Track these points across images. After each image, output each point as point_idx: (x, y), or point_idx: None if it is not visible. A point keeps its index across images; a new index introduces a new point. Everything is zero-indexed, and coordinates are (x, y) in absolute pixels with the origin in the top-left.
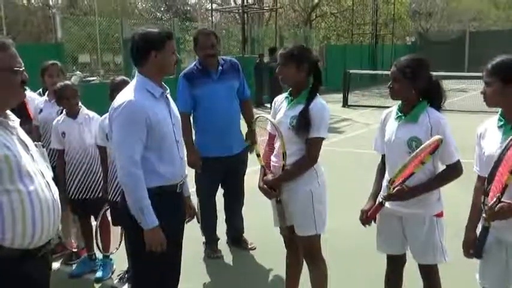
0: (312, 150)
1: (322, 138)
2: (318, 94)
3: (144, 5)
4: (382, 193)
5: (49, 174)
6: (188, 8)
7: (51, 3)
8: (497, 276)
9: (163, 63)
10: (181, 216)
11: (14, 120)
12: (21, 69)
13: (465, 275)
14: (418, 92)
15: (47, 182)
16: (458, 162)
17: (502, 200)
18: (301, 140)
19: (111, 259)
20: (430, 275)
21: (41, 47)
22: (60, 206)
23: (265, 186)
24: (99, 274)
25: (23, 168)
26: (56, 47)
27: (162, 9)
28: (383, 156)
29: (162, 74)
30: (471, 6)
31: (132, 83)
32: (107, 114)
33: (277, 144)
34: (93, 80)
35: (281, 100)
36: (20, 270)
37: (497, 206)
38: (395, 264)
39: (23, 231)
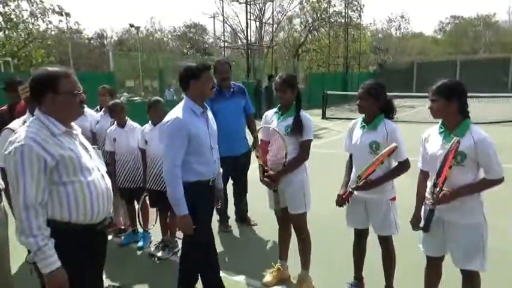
0: (305, 149)
1: (311, 140)
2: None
3: (174, 44)
4: (351, 184)
5: (103, 168)
6: (206, 46)
7: (105, 42)
8: (437, 245)
9: (201, 88)
10: (211, 203)
11: (76, 129)
12: (79, 92)
13: (411, 243)
14: (377, 107)
15: (102, 174)
16: (407, 160)
17: (443, 188)
18: (295, 142)
19: (149, 232)
20: (387, 242)
21: (97, 75)
22: (111, 192)
23: (265, 179)
24: (140, 244)
25: (83, 164)
26: (108, 75)
27: (188, 46)
28: (350, 155)
29: (202, 97)
30: (418, 44)
31: (181, 104)
32: (147, 125)
33: (271, 147)
34: (136, 100)
35: (271, 115)
36: (83, 239)
37: (441, 194)
38: (360, 236)
39: (84, 211)
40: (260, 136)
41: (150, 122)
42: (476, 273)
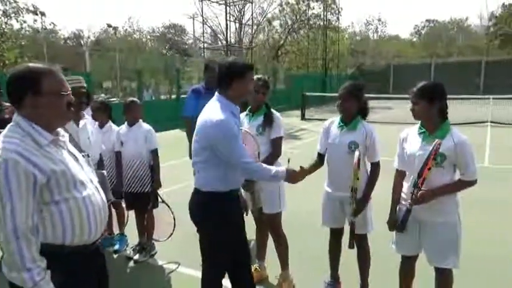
0: (276, 147)
1: (282, 137)
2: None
3: (153, 44)
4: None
5: (95, 179)
6: (186, 47)
7: (82, 42)
8: (411, 244)
9: (244, 89)
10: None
11: (64, 135)
12: (67, 92)
13: (384, 241)
14: (357, 108)
15: (96, 187)
16: (379, 162)
17: (422, 188)
18: (267, 142)
19: (125, 236)
20: (364, 241)
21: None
22: (107, 206)
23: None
24: (116, 247)
25: (76, 178)
26: (85, 75)
27: (167, 47)
28: (320, 154)
29: (242, 98)
30: (394, 47)
31: (214, 104)
32: (122, 126)
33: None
34: (114, 101)
35: (242, 117)
36: (81, 261)
37: (419, 193)
38: (336, 235)
39: (80, 231)
40: None
41: (126, 123)
42: (449, 270)
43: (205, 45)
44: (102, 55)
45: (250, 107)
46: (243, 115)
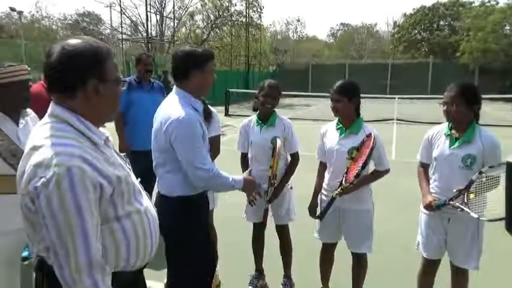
0: (215, 146)
1: (220, 135)
2: None
3: (64, 33)
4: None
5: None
6: (102, 37)
7: None
8: (332, 232)
9: (203, 81)
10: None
11: (106, 131)
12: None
13: (308, 229)
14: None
15: (146, 193)
16: (297, 152)
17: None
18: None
19: None
20: (287, 230)
21: None
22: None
23: None
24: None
25: (135, 185)
26: None
27: (81, 36)
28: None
29: (202, 92)
30: (312, 47)
31: (173, 98)
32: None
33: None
34: None
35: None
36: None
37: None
38: (259, 229)
39: (143, 252)
40: None
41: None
42: (365, 254)
43: (124, 36)
44: (4, 42)
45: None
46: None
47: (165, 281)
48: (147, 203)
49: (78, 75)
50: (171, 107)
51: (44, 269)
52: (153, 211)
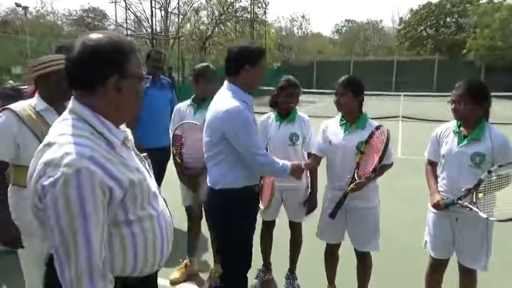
0: None
1: None
2: None
3: (69, 28)
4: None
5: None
6: None
7: None
8: (335, 233)
9: (255, 77)
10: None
11: (126, 131)
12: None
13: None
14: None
15: (163, 197)
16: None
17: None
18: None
19: None
20: (300, 227)
21: None
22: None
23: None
24: None
25: (150, 189)
26: None
27: (85, 32)
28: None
29: (252, 87)
30: (317, 44)
31: (225, 92)
32: None
33: (185, 141)
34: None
35: (185, 107)
36: None
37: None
38: (269, 225)
39: (153, 259)
40: (177, 132)
41: None
42: (369, 253)
43: (129, 32)
44: (10, 38)
45: (193, 97)
46: (184, 105)
47: (171, 277)
48: (163, 208)
49: (98, 71)
50: (225, 101)
51: (53, 266)
52: (169, 216)
